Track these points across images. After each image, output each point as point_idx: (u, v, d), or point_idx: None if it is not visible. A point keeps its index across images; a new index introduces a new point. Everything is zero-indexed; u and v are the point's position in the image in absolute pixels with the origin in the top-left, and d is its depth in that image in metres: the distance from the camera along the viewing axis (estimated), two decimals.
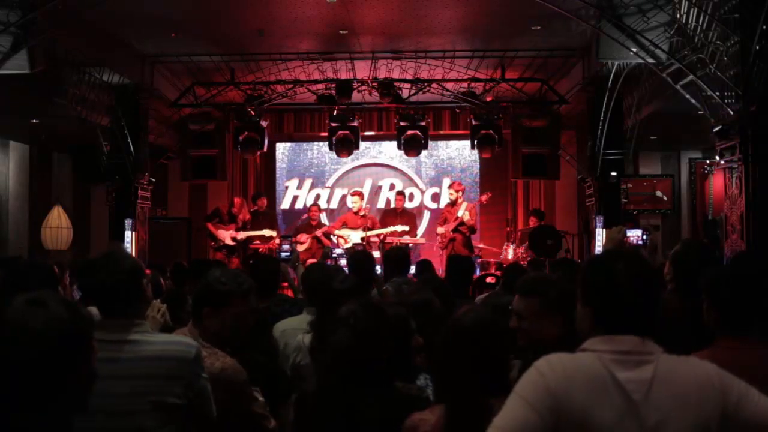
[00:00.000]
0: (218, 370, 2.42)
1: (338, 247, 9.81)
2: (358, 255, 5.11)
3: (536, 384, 1.59)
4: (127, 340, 2.13)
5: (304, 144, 12.78)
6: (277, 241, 10.28)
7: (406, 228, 9.97)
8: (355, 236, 9.93)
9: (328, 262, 8.41)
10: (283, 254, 9.41)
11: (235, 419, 2.46)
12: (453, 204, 9.96)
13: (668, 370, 1.62)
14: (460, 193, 10.02)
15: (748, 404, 1.61)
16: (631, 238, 8.56)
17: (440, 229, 9.91)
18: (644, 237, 8.57)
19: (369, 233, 9.84)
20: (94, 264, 2.29)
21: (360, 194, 10.55)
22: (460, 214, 9.74)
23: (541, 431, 1.55)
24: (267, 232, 10.02)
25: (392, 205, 11.12)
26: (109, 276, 2.22)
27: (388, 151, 12.46)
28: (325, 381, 2.23)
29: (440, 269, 7.82)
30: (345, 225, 10.19)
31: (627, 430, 1.57)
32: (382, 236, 9.93)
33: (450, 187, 10.32)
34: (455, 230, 9.76)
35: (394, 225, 9.97)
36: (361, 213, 10.15)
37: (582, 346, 1.68)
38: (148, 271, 2.53)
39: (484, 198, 10.16)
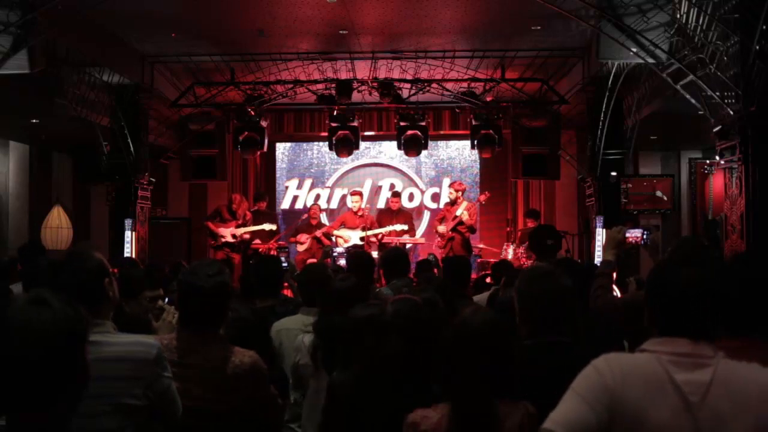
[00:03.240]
0: (250, 364, 2.49)
1: (338, 247, 9.81)
2: (358, 255, 5.08)
3: (593, 381, 1.62)
4: (88, 341, 2.11)
5: (304, 144, 12.77)
6: (276, 242, 10.29)
7: (405, 227, 9.97)
8: (354, 236, 9.94)
9: (328, 262, 8.42)
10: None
11: (261, 404, 2.53)
12: (453, 203, 9.99)
13: (728, 373, 1.63)
14: (460, 193, 10.03)
15: None
16: (631, 239, 8.54)
17: (441, 228, 9.90)
18: (645, 236, 8.53)
19: (368, 233, 9.85)
20: (57, 263, 2.29)
21: (360, 194, 10.58)
22: (458, 213, 9.74)
23: (596, 427, 1.57)
24: (267, 226, 10.02)
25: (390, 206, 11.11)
26: (72, 276, 2.21)
27: (388, 151, 12.46)
28: (371, 381, 2.24)
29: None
30: (344, 225, 10.20)
31: (682, 430, 1.59)
32: (380, 236, 9.94)
33: (450, 186, 10.32)
34: (454, 230, 9.76)
35: (391, 225, 9.98)
36: (360, 213, 10.16)
37: (641, 347, 1.71)
38: (114, 270, 2.52)
39: (482, 197, 10.16)
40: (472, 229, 9.92)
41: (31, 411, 1.44)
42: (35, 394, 1.44)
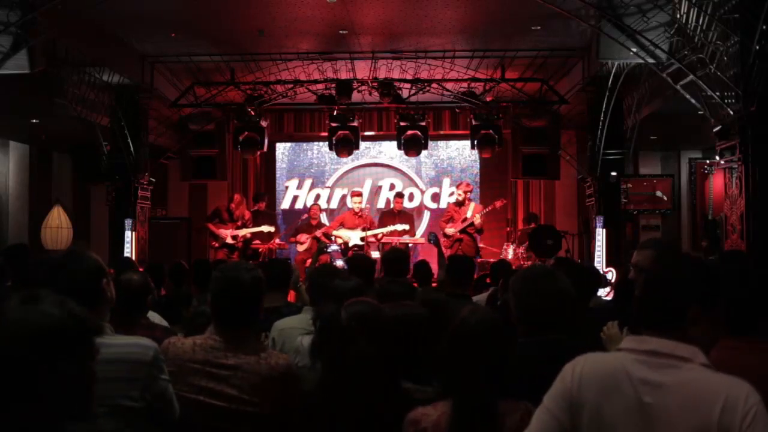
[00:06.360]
0: (285, 366, 2.50)
1: (334, 244, 9.83)
2: (358, 257, 5.08)
3: (556, 389, 1.71)
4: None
5: (304, 144, 12.78)
6: (277, 240, 10.30)
7: (407, 227, 9.99)
8: (354, 237, 9.95)
9: (324, 258, 8.48)
10: None
11: (290, 408, 2.52)
12: (461, 204, 9.97)
13: (690, 380, 1.59)
14: (468, 194, 10.05)
15: None
16: None
17: (449, 230, 9.84)
18: None
19: (368, 233, 9.86)
20: (55, 264, 2.26)
21: (361, 194, 10.62)
22: (469, 215, 9.75)
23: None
24: (265, 228, 10.05)
25: (391, 206, 11.12)
26: (69, 277, 2.20)
27: (388, 151, 12.46)
28: (341, 385, 2.21)
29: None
30: (342, 225, 10.21)
31: (633, 427, 1.60)
32: (380, 236, 9.95)
33: (458, 187, 10.28)
34: (463, 231, 9.77)
35: (392, 225, 9.99)
36: (360, 213, 10.18)
37: (618, 346, 1.74)
38: (111, 271, 2.52)
39: (498, 203, 10.14)
40: (480, 231, 9.94)
41: (15, 410, 1.42)
42: (21, 394, 1.41)
